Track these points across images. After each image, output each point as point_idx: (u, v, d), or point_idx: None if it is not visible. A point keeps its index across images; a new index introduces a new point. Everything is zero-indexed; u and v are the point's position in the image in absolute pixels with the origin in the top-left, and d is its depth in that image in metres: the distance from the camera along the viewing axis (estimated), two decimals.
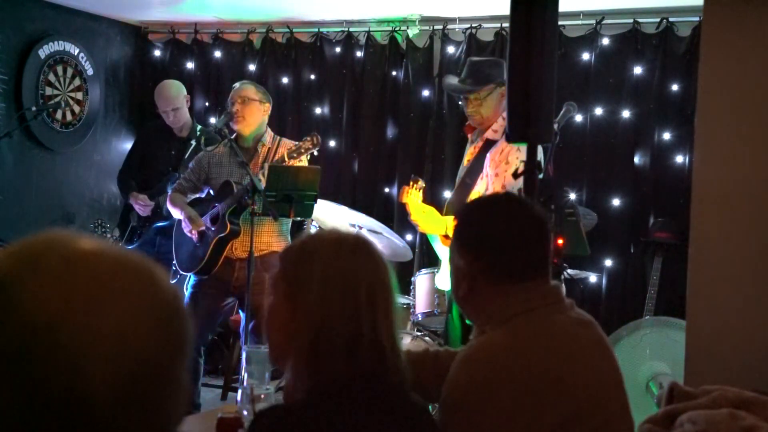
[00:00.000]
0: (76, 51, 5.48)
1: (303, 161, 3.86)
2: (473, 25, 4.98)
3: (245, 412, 1.95)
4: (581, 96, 4.59)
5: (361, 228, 4.19)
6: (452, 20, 5.05)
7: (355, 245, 1.46)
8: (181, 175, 4.42)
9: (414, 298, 4.16)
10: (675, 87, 4.58)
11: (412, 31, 5.19)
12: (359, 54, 5.30)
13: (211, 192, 4.02)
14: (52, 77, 5.32)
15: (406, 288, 4.22)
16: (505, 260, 1.69)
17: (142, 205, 4.58)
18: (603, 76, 4.72)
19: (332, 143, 5.34)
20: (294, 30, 5.45)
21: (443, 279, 3.71)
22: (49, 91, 5.30)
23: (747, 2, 2.53)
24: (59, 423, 0.69)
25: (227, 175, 3.94)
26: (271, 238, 3.93)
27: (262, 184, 3.59)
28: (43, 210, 5.34)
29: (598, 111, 4.71)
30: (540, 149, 2.83)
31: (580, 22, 4.75)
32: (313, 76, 5.43)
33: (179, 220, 4.15)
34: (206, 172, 4.03)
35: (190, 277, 4.02)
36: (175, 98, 4.64)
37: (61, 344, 0.69)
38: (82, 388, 0.69)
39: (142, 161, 4.79)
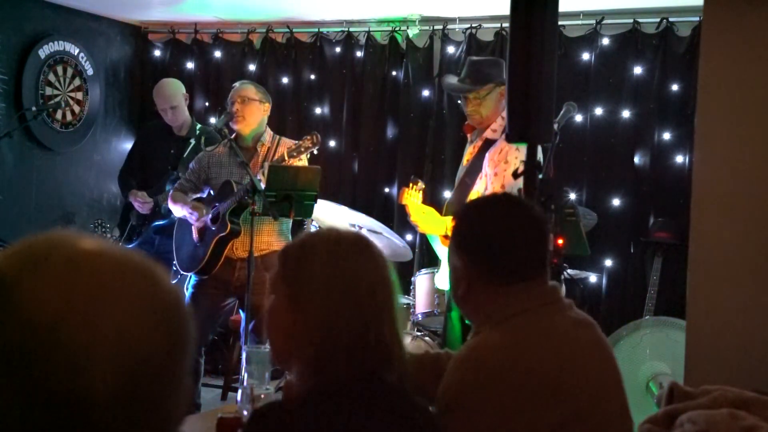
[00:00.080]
0: (76, 51, 5.48)
1: (303, 160, 3.86)
2: (473, 25, 4.98)
3: (245, 412, 1.95)
4: (581, 96, 4.59)
5: (361, 228, 4.19)
6: (452, 20, 5.05)
7: (355, 244, 1.46)
8: (180, 173, 4.42)
9: (414, 298, 4.16)
10: (675, 87, 4.58)
11: (412, 31, 5.19)
12: (359, 54, 5.30)
13: (212, 192, 4.02)
14: (52, 77, 5.32)
15: (406, 288, 4.22)
16: (503, 261, 1.69)
17: (141, 203, 4.58)
18: (603, 76, 4.72)
19: (332, 143, 5.34)
20: (294, 30, 5.45)
21: (443, 279, 3.71)
22: (49, 91, 5.30)
23: (747, 2, 2.53)
24: (60, 422, 0.69)
25: (227, 175, 3.94)
26: (271, 237, 3.93)
27: (262, 184, 3.59)
28: (43, 210, 5.34)
29: (598, 111, 4.71)
30: (539, 149, 2.83)
31: (580, 22, 4.75)
32: (313, 76, 5.43)
33: (179, 220, 4.15)
34: (206, 172, 4.03)
35: (190, 277, 4.02)
36: (173, 96, 4.64)
37: (62, 344, 0.69)
38: (82, 388, 0.69)
39: (142, 161, 4.79)
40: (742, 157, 2.58)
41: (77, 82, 5.49)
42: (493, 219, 1.74)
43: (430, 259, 4.62)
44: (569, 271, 3.85)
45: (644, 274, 4.57)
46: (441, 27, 5.08)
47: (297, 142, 3.85)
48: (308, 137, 3.79)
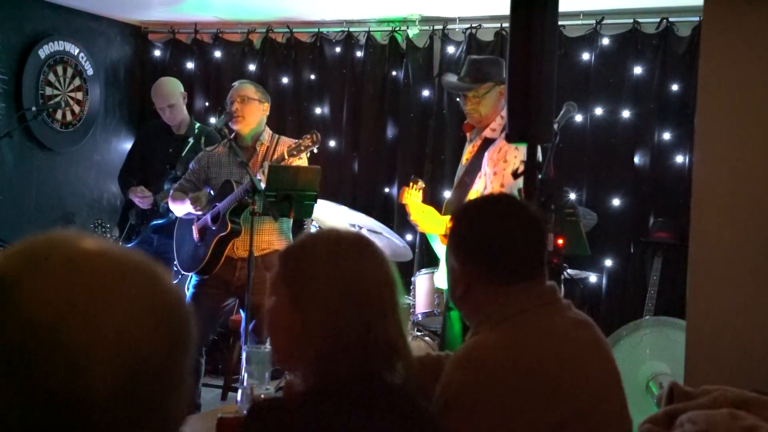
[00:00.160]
0: (76, 51, 5.48)
1: (303, 159, 3.86)
2: (473, 25, 4.98)
3: (245, 412, 1.95)
4: (581, 96, 4.59)
5: (361, 228, 4.19)
6: (452, 20, 5.05)
7: (356, 244, 1.45)
8: (178, 173, 4.42)
9: (414, 298, 4.16)
10: (675, 87, 4.58)
11: (412, 31, 5.19)
12: (359, 54, 5.30)
13: (211, 192, 4.02)
14: (52, 77, 5.32)
15: (406, 288, 4.22)
16: (501, 261, 1.69)
17: (140, 198, 4.58)
18: (603, 76, 4.72)
19: (332, 143, 5.34)
20: (294, 30, 5.45)
21: (442, 278, 3.71)
22: (49, 91, 5.30)
23: (747, 2, 2.53)
24: (60, 422, 0.69)
25: (227, 175, 3.94)
26: (272, 236, 3.93)
27: (262, 184, 3.59)
28: (43, 210, 5.34)
29: (598, 111, 4.71)
30: (538, 149, 2.83)
31: (580, 22, 4.75)
32: (313, 76, 5.43)
33: (180, 220, 4.15)
34: (206, 171, 4.03)
35: (191, 276, 4.02)
36: (170, 95, 4.64)
37: (63, 344, 0.69)
38: (83, 388, 0.69)
39: (142, 160, 4.79)
40: (742, 157, 2.58)
41: (77, 82, 5.49)
42: (490, 219, 1.74)
43: (430, 259, 4.62)
44: (569, 271, 3.84)
45: (644, 274, 4.57)
46: (441, 27, 5.08)
47: (297, 140, 3.85)
48: (308, 136, 3.79)
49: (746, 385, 1.88)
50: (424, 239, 4.48)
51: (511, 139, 2.54)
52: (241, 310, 3.99)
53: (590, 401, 1.63)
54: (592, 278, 4.57)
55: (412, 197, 3.52)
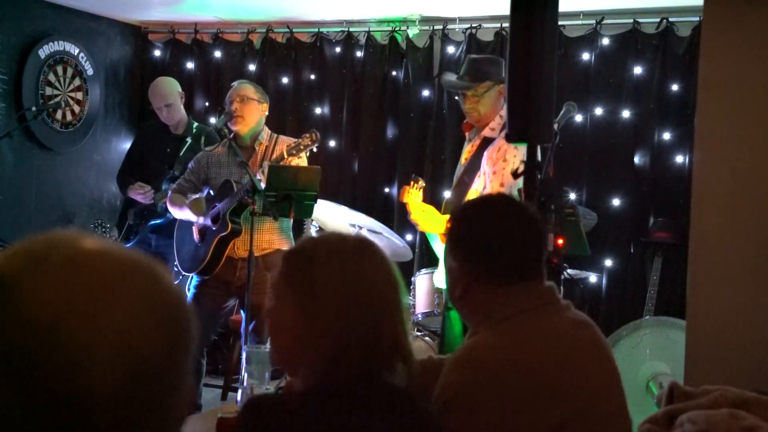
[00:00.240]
0: (76, 51, 5.48)
1: (302, 158, 3.86)
2: (473, 25, 4.98)
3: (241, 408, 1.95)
4: (581, 96, 4.59)
5: (361, 228, 4.19)
6: (452, 20, 5.05)
7: (361, 248, 1.45)
8: (176, 173, 4.42)
9: (414, 298, 4.16)
10: (675, 87, 4.58)
11: (412, 31, 5.19)
12: (359, 54, 5.30)
13: (211, 192, 4.02)
14: (52, 77, 5.32)
15: (407, 288, 4.22)
16: (499, 261, 1.69)
17: (141, 193, 4.57)
18: (603, 76, 4.72)
19: (332, 143, 5.34)
20: (294, 30, 5.45)
21: (441, 278, 3.71)
22: (49, 91, 5.30)
23: (747, 2, 2.53)
24: (60, 422, 0.69)
25: (227, 175, 3.93)
26: (272, 235, 3.93)
27: (262, 184, 3.59)
28: (43, 210, 5.34)
29: (598, 111, 4.71)
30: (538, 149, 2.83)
31: (580, 22, 4.75)
32: (313, 76, 5.43)
33: (179, 221, 4.14)
34: (206, 172, 4.03)
35: (192, 277, 4.01)
36: (167, 94, 4.63)
37: (63, 343, 0.69)
38: (83, 388, 0.69)
39: (140, 160, 4.79)
40: (742, 157, 2.58)
41: (77, 82, 5.49)
42: (489, 219, 1.74)
43: (430, 259, 4.62)
44: (569, 271, 3.84)
45: (644, 274, 4.57)
46: (441, 27, 5.08)
47: (296, 140, 3.84)
48: (307, 135, 3.79)
49: (746, 385, 1.88)
50: (424, 239, 4.48)
51: (511, 139, 2.54)
52: (241, 310, 3.99)
53: (589, 401, 1.63)
54: (592, 278, 4.57)
55: (413, 196, 3.52)
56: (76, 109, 5.50)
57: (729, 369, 2.50)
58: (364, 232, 4.16)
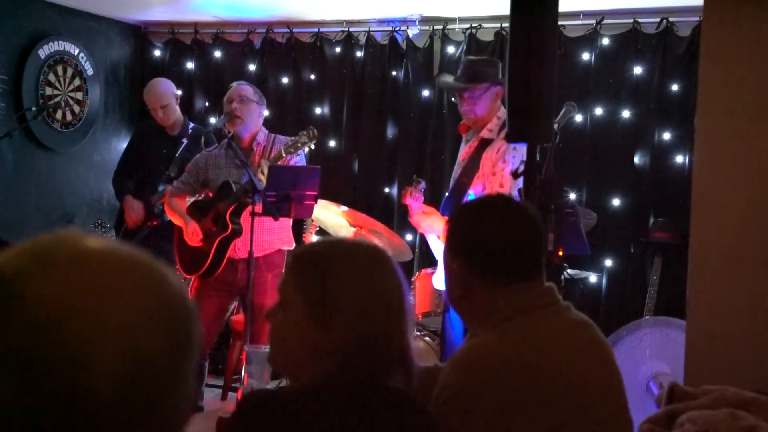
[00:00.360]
0: (76, 51, 5.48)
1: (301, 157, 3.86)
2: (473, 25, 4.98)
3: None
4: (581, 96, 4.59)
5: (361, 228, 4.19)
6: (452, 20, 5.05)
7: (376, 258, 1.44)
8: (172, 174, 4.41)
9: (414, 298, 4.15)
10: (675, 87, 4.58)
11: (412, 31, 5.19)
12: (359, 54, 5.30)
13: (210, 194, 4.00)
14: (52, 77, 5.32)
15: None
16: (498, 262, 1.69)
17: (133, 214, 4.55)
18: (603, 76, 4.72)
19: (332, 143, 5.34)
20: (294, 30, 5.45)
21: (440, 279, 3.72)
22: (49, 91, 5.30)
23: (747, 2, 2.53)
24: (62, 420, 0.69)
25: (225, 176, 3.92)
26: (273, 235, 3.93)
27: (261, 184, 3.59)
28: (43, 210, 5.34)
29: (598, 111, 4.71)
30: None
31: (580, 22, 4.75)
32: (313, 76, 5.43)
33: (177, 225, 4.13)
34: (204, 173, 4.01)
35: (194, 279, 4.00)
36: (163, 95, 4.63)
37: (67, 341, 0.69)
38: (86, 385, 0.69)
39: (137, 161, 4.78)
40: (742, 157, 2.58)
41: (77, 82, 5.50)
42: (490, 219, 1.73)
43: (430, 259, 4.62)
44: (569, 271, 3.85)
45: (644, 274, 4.57)
46: (441, 27, 5.08)
47: (293, 137, 3.83)
48: (304, 132, 3.78)
49: (746, 385, 1.88)
50: (424, 239, 4.48)
51: (511, 139, 2.54)
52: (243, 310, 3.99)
53: (590, 402, 1.63)
54: (592, 278, 4.57)
55: (414, 197, 3.53)
56: (76, 109, 5.50)
57: (729, 369, 2.50)
58: (364, 232, 4.16)
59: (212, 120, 5.50)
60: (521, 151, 3.25)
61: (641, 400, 3.73)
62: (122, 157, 4.96)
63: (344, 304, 1.38)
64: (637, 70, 4.64)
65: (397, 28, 5.21)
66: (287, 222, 3.98)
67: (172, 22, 5.75)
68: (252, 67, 5.54)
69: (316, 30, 5.39)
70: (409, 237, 4.89)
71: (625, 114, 4.66)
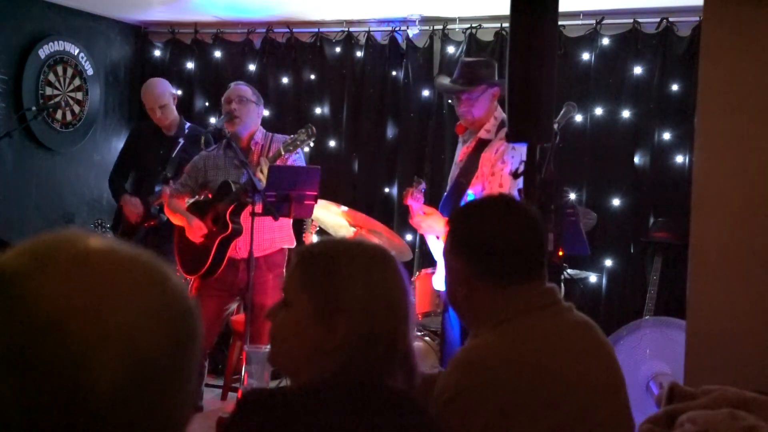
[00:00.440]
0: (76, 51, 5.48)
1: (299, 155, 3.86)
2: (473, 25, 4.99)
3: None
4: (581, 96, 4.59)
5: (361, 228, 4.19)
6: (452, 20, 5.05)
7: (383, 260, 1.43)
8: (169, 174, 4.40)
9: (414, 298, 4.15)
10: (675, 87, 4.58)
11: (412, 31, 5.19)
12: (359, 54, 5.30)
13: (209, 196, 4.00)
14: (52, 77, 5.32)
15: None
16: (500, 262, 1.68)
17: (134, 209, 4.55)
18: (603, 76, 4.72)
19: (332, 143, 5.33)
20: (294, 30, 5.45)
21: (439, 279, 3.72)
22: (49, 91, 5.30)
23: (747, 2, 2.54)
24: (63, 419, 0.69)
25: (224, 176, 3.92)
26: (273, 234, 3.92)
27: (261, 183, 3.59)
28: (43, 210, 5.34)
29: (598, 111, 4.71)
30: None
31: (580, 22, 4.75)
32: (313, 76, 5.43)
33: (177, 226, 4.12)
34: (203, 175, 4.00)
35: (194, 279, 3.99)
36: (161, 95, 4.63)
37: (68, 340, 0.69)
38: (87, 385, 0.69)
39: (133, 162, 4.78)
40: (742, 157, 2.58)
41: (77, 82, 5.50)
42: (493, 219, 1.73)
43: (430, 260, 4.62)
44: (569, 271, 3.85)
45: (644, 274, 4.57)
46: (441, 27, 5.08)
47: (292, 135, 3.83)
48: (303, 130, 3.78)
49: (746, 385, 1.88)
50: (424, 239, 4.48)
51: (511, 139, 2.54)
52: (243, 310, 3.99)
53: (590, 403, 1.63)
54: (592, 278, 4.57)
55: (415, 198, 3.53)
56: (76, 109, 5.50)
57: (729, 369, 2.50)
58: (364, 232, 4.16)
59: (212, 120, 5.50)
60: (520, 151, 3.26)
61: (641, 400, 3.73)
62: (118, 157, 4.95)
63: (349, 303, 1.37)
64: (637, 70, 4.64)
65: (397, 28, 5.21)
66: (288, 220, 3.97)
67: (172, 22, 5.75)
68: (252, 67, 5.54)
69: (316, 30, 5.39)
70: (409, 237, 4.89)
71: (625, 114, 4.66)
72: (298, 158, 3.90)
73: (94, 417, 0.70)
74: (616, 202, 4.68)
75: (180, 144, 4.54)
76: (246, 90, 4.02)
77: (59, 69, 5.37)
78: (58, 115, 5.38)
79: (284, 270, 3.94)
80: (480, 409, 1.56)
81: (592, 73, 4.74)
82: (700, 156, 2.66)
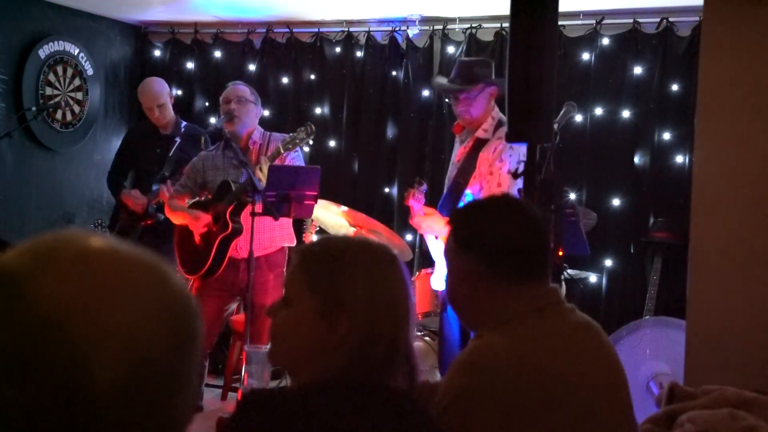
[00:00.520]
0: (76, 51, 5.48)
1: (298, 153, 3.86)
2: (473, 25, 4.99)
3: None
4: (581, 96, 4.59)
5: (361, 228, 4.19)
6: (452, 20, 5.05)
7: (387, 260, 1.43)
8: (166, 173, 4.40)
9: (414, 297, 4.15)
10: (675, 87, 4.58)
11: (412, 31, 5.19)
12: (359, 54, 5.31)
13: (209, 196, 4.00)
14: (52, 77, 5.32)
15: None
16: (506, 262, 1.68)
17: (134, 202, 4.56)
18: (603, 76, 4.72)
19: (332, 143, 5.33)
20: (294, 30, 5.45)
21: (438, 279, 3.72)
22: (49, 91, 5.30)
23: (747, 2, 2.54)
24: (64, 419, 0.69)
25: (223, 176, 3.92)
26: (274, 233, 3.92)
27: (260, 182, 3.59)
28: (43, 210, 5.34)
29: (598, 111, 4.71)
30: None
31: (580, 22, 4.75)
32: (313, 76, 5.43)
33: (177, 226, 4.12)
34: (202, 176, 4.00)
35: (195, 280, 3.99)
36: (159, 94, 4.63)
37: (70, 340, 0.69)
38: (88, 385, 0.69)
39: (130, 161, 4.78)
40: (742, 157, 2.58)
41: (77, 82, 5.50)
42: (498, 219, 1.72)
43: (430, 260, 4.62)
44: (569, 271, 3.85)
45: (644, 274, 4.57)
46: (441, 27, 5.08)
47: (291, 134, 3.83)
48: (302, 128, 3.77)
49: (746, 385, 1.88)
50: (424, 239, 4.49)
51: (510, 138, 2.54)
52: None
53: (593, 405, 1.62)
54: (592, 278, 4.57)
55: (416, 199, 3.54)
56: (76, 109, 5.50)
57: (729, 369, 2.50)
58: (364, 232, 4.16)
59: (212, 120, 5.50)
60: (518, 150, 3.27)
61: (641, 400, 3.73)
62: (115, 157, 4.94)
63: (351, 301, 1.37)
64: (637, 70, 4.64)
65: (397, 28, 5.21)
66: (288, 219, 3.97)
67: (172, 22, 5.75)
68: (252, 67, 5.54)
69: (316, 30, 5.39)
70: (409, 237, 4.89)
71: (625, 114, 4.66)
72: (296, 156, 3.90)
73: (94, 417, 0.70)
74: (616, 202, 4.68)
75: (177, 143, 4.54)
76: (244, 90, 4.02)
77: (59, 69, 5.37)
78: (58, 115, 5.38)
79: (285, 270, 3.94)
80: (483, 410, 1.55)
81: (592, 73, 4.74)
82: (700, 156, 2.66)
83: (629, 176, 4.67)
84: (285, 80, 5.48)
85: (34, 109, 5.06)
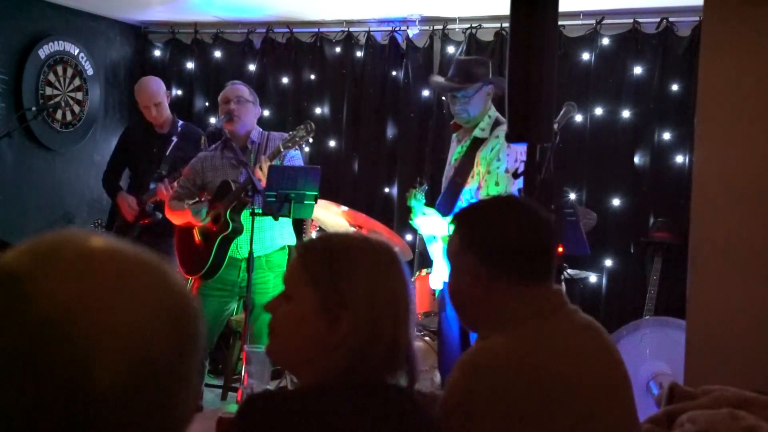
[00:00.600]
0: (76, 51, 5.48)
1: (298, 152, 3.86)
2: (473, 25, 4.99)
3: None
4: (581, 96, 4.59)
5: (361, 228, 4.20)
6: (452, 20, 5.05)
7: (390, 258, 1.43)
8: (163, 172, 4.40)
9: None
10: (675, 87, 4.58)
11: (412, 31, 5.19)
12: (359, 54, 5.31)
13: (209, 197, 3.99)
14: (52, 77, 5.32)
15: None
16: (507, 263, 1.67)
17: (127, 209, 4.56)
18: (603, 76, 4.72)
19: (332, 143, 5.33)
20: (294, 30, 5.45)
21: (436, 279, 3.71)
22: (49, 91, 5.30)
23: (747, 2, 2.54)
24: (66, 418, 0.69)
25: (223, 176, 3.91)
26: (274, 232, 3.92)
27: (260, 182, 3.59)
28: (43, 210, 5.34)
29: (598, 111, 4.71)
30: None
31: (580, 22, 4.75)
32: (313, 76, 5.43)
33: (177, 226, 4.12)
34: (201, 177, 3.99)
35: (195, 279, 3.99)
36: (156, 93, 4.63)
37: (72, 339, 0.69)
38: (89, 384, 0.69)
39: (127, 161, 4.78)
40: (742, 157, 2.58)
41: (77, 82, 5.50)
42: (501, 221, 1.72)
43: (430, 260, 4.62)
44: (569, 271, 3.85)
45: (644, 274, 4.57)
46: (441, 27, 5.08)
47: (291, 132, 3.83)
48: (302, 127, 3.77)
49: (746, 385, 1.89)
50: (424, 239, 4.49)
51: (510, 138, 2.54)
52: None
53: (597, 407, 1.62)
54: (592, 278, 4.57)
55: (417, 199, 3.54)
56: (76, 109, 5.50)
57: (729, 369, 2.50)
58: (364, 233, 4.17)
59: (212, 120, 5.50)
60: (515, 149, 3.27)
61: (641, 400, 3.72)
62: (111, 156, 4.93)
63: (355, 298, 1.36)
64: (637, 70, 4.65)
65: (397, 28, 5.21)
66: (288, 219, 3.97)
67: (172, 22, 5.76)
68: (252, 67, 5.54)
69: (316, 30, 5.39)
70: (409, 237, 4.89)
71: (625, 114, 4.66)
72: (295, 155, 3.90)
73: (94, 416, 0.70)
74: (616, 202, 4.68)
75: (174, 142, 4.54)
76: (243, 90, 4.02)
77: (59, 69, 5.37)
78: (58, 115, 5.38)
79: (285, 267, 3.94)
80: (486, 411, 1.55)
81: (592, 73, 4.74)
82: (700, 156, 2.67)
83: (629, 176, 4.67)
84: (285, 80, 5.48)
85: (34, 109, 5.06)
